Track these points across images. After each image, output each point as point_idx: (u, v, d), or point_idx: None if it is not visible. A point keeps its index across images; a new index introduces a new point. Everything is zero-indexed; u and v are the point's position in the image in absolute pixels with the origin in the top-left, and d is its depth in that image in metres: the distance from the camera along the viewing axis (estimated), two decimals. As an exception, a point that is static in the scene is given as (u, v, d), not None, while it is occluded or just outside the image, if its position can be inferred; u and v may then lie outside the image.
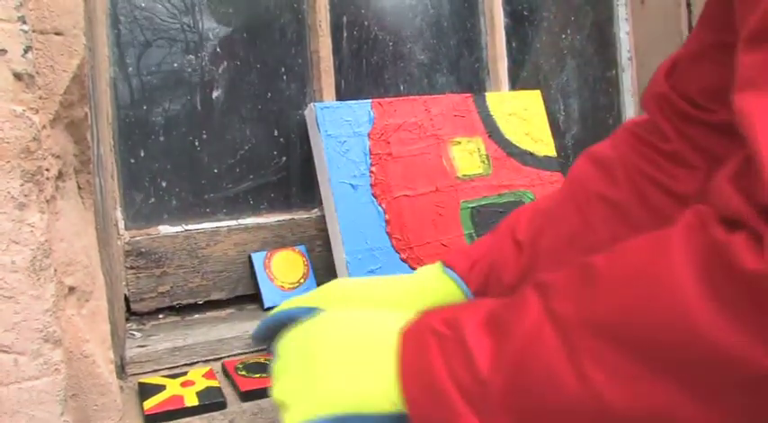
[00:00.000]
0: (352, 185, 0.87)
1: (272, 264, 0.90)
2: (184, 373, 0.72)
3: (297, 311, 0.57)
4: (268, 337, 0.58)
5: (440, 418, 0.42)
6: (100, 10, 0.82)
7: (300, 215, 0.95)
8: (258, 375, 0.71)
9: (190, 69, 0.90)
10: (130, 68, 0.87)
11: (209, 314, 0.88)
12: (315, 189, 0.93)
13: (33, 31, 0.52)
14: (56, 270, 0.53)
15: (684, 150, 0.56)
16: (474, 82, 1.14)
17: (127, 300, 0.83)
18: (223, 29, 0.93)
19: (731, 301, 0.32)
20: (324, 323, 0.51)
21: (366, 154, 0.89)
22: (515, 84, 1.17)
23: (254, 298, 0.90)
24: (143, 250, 0.84)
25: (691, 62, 0.56)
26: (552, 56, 1.23)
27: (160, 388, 0.68)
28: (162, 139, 0.88)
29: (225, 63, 0.92)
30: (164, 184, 0.88)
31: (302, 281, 0.91)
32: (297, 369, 0.49)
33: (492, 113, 1.01)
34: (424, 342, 0.44)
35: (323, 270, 0.92)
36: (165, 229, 0.86)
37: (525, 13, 1.20)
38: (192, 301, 0.87)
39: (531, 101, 1.06)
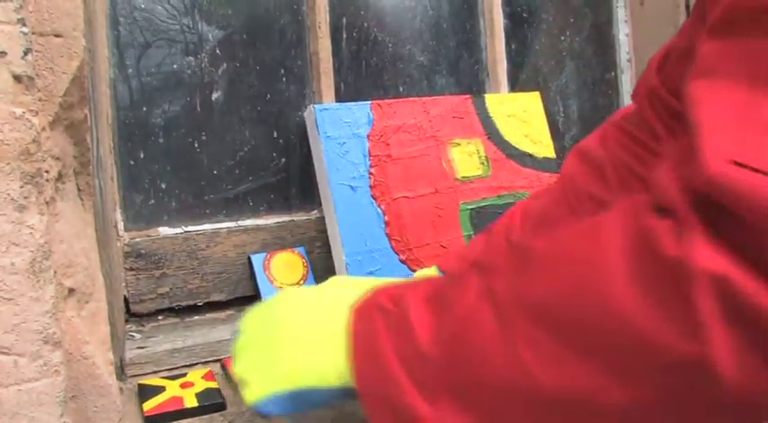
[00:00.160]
0: (351, 187, 0.87)
1: (271, 265, 0.90)
2: (184, 375, 0.72)
3: None
4: None
5: (384, 392, 0.43)
6: (100, 11, 0.82)
7: (300, 217, 0.95)
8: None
9: (189, 71, 0.90)
10: (130, 70, 0.87)
11: (209, 315, 0.88)
12: (314, 191, 0.93)
13: (33, 33, 0.52)
14: (55, 272, 0.53)
15: None
16: (473, 83, 1.14)
17: (126, 301, 0.83)
18: (222, 30, 0.93)
19: (654, 288, 0.32)
20: (282, 301, 0.53)
21: (365, 155, 0.89)
22: (515, 85, 1.17)
23: (254, 299, 0.90)
24: (143, 252, 0.84)
25: (679, 57, 0.56)
26: (551, 57, 1.23)
27: (160, 389, 0.68)
28: (161, 140, 0.88)
29: (224, 64, 0.93)
30: (163, 186, 0.88)
31: (302, 282, 0.91)
32: (255, 346, 0.51)
33: (491, 115, 1.01)
34: (372, 318, 0.45)
35: (322, 271, 0.92)
36: (164, 230, 0.86)
37: (525, 15, 1.20)
38: (191, 302, 0.87)
39: (531, 102, 1.06)
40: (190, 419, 0.64)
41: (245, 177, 0.93)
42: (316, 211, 0.96)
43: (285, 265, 0.91)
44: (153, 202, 0.88)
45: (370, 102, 0.92)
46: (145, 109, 0.87)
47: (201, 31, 0.91)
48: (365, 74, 1.04)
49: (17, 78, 0.49)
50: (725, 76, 0.33)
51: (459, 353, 0.40)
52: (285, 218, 0.94)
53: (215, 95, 0.92)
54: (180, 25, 0.90)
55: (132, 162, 0.87)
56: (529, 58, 1.20)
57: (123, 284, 0.82)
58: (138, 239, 0.84)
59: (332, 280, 0.61)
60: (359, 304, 0.48)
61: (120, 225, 0.84)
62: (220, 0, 0.92)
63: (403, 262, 0.88)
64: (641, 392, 0.34)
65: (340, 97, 0.99)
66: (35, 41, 0.53)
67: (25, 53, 0.50)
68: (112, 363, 0.60)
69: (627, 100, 1.29)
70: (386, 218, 0.88)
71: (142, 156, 0.87)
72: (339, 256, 0.86)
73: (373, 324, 0.45)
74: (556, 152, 1.06)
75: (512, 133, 1.02)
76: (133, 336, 0.80)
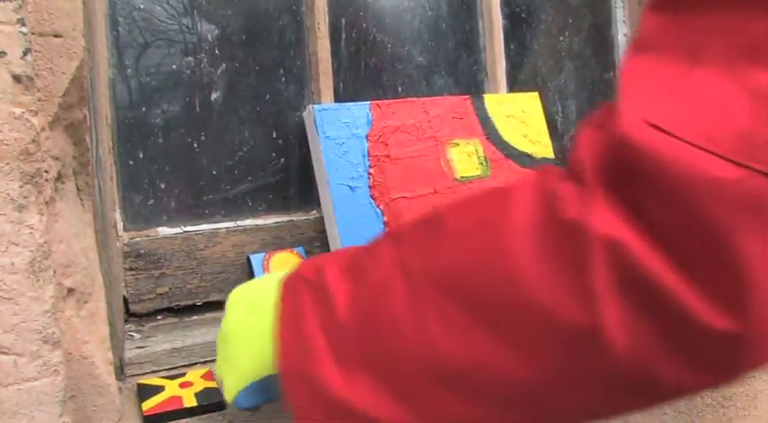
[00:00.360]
0: (350, 187, 0.87)
1: (270, 265, 0.90)
2: (183, 374, 0.72)
3: None
4: None
5: (302, 365, 0.42)
6: (99, 12, 0.82)
7: (299, 217, 0.95)
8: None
9: (188, 71, 0.90)
10: (129, 70, 0.87)
11: (208, 315, 0.88)
12: (313, 191, 0.93)
13: (32, 34, 0.52)
14: (55, 271, 0.53)
15: None
16: (472, 84, 1.14)
17: (126, 301, 0.83)
18: (222, 30, 0.93)
19: (552, 254, 0.31)
20: (231, 298, 0.54)
21: (364, 156, 0.89)
22: (513, 86, 1.17)
23: (253, 299, 0.90)
24: (142, 252, 0.84)
25: None
26: (550, 58, 1.23)
27: (159, 389, 0.68)
28: (161, 140, 0.88)
29: (224, 65, 0.93)
30: (162, 186, 0.88)
31: (301, 282, 0.91)
32: (220, 347, 0.53)
33: (490, 115, 1.01)
34: (297, 290, 0.45)
35: (321, 271, 0.92)
36: (163, 230, 0.87)
37: (523, 16, 1.20)
38: (190, 302, 0.87)
39: (529, 103, 1.06)
40: (189, 419, 0.64)
41: (244, 177, 0.93)
42: (315, 212, 0.96)
43: (284, 265, 0.91)
44: (152, 202, 0.88)
45: (369, 102, 0.92)
46: (144, 109, 0.88)
47: (201, 31, 0.91)
48: (364, 74, 1.04)
49: (17, 78, 0.49)
50: (659, 50, 0.33)
51: (372, 322, 0.40)
52: (284, 218, 0.94)
53: (214, 96, 0.92)
54: (179, 25, 0.90)
55: (131, 162, 0.87)
56: (528, 58, 1.21)
57: (122, 284, 0.82)
58: (137, 239, 0.84)
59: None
60: (285, 278, 0.48)
61: (120, 225, 0.84)
62: (219, 0, 0.92)
63: (402, 262, 0.88)
64: (540, 365, 0.33)
65: (339, 97, 1.00)
66: (34, 41, 0.53)
67: (25, 53, 0.50)
68: (112, 362, 0.60)
69: (625, 100, 1.29)
70: (385, 218, 0.89)
71: (141, 156, 0.87)
72: (338, 256, 0.86)
73: (299, 296, 0.45)
74: (554, 152, 1.06)
75: (510, 133, 1.02)
76: (132, 335, 0.80)
